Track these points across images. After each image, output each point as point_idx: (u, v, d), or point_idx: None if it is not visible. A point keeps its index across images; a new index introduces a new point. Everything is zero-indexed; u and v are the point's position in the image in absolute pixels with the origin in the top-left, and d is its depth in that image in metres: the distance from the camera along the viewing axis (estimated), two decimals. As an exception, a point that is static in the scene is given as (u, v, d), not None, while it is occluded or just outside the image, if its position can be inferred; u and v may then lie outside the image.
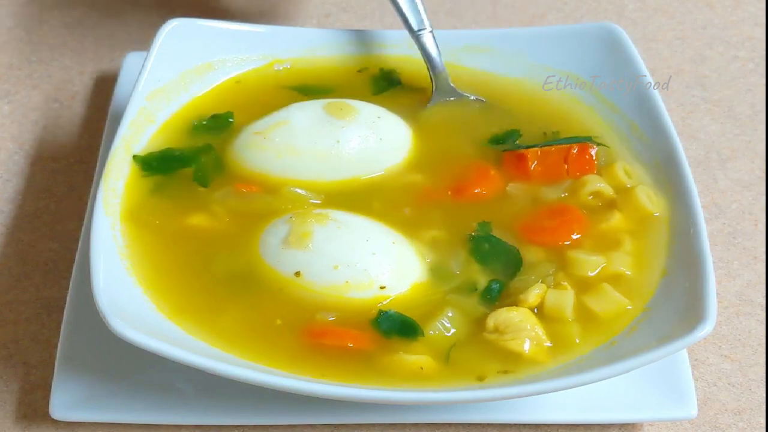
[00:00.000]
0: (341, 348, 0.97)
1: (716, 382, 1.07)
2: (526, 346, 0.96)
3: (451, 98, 1.19)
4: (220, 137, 1.15)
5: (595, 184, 1.09)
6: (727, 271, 1.17)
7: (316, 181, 1.11)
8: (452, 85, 1.20)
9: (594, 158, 1.12)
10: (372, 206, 1.08)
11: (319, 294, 1.00)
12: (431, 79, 1.20)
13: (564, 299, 0.99)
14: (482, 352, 0.97)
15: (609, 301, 1.00)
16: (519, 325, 0.97)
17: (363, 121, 1.13)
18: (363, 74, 1.23)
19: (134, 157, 1.11)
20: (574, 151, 1.11)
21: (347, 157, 1.11)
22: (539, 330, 0.97)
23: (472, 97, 1.20)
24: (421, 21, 1.21)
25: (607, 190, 1.09)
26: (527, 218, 1.07)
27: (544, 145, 1.12)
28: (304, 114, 1.14)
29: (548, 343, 0.97)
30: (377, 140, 1.13)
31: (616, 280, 1.02)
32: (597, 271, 1.03)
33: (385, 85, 1.22)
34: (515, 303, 0.99)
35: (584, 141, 1.13)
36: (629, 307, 0.99)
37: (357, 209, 1.07)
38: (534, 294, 0.99)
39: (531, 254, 1.04)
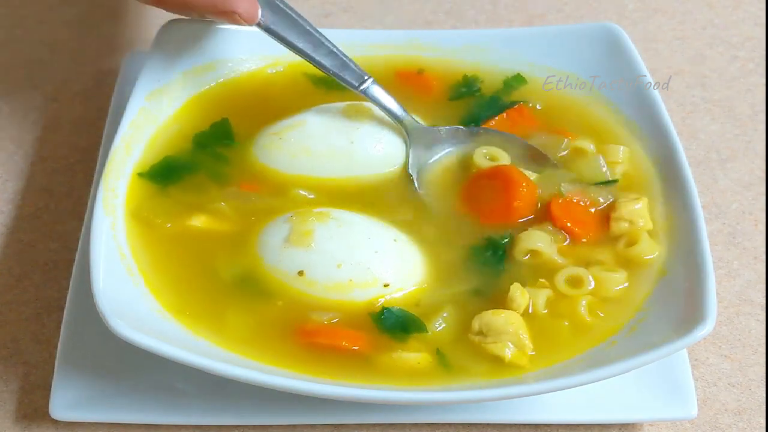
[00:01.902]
0: (335, 347, 0.97)
1: (716, 382, 1.07)
2: (508, 351, 0.96)
3: (424, 142, 1.13)
4: (224, 143, 1.15)
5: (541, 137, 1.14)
6: (727, 271, 1.17)
7: (327, 181, 1.11)
8: (423, 123, 1.15)
9: (532, 114, 1.17)
10: (379, 206, 1.08)
11: (323, 292, 1.00)
12: (401, 127, 1.13)
13: (540, 297, 0.99)
14: (472, 353, 0.97)
15: (598, 310, 1.00)
16: (502, 328, 0.96)
17: (378, 123, 1.14)
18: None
19: (139, 174, 1.10)
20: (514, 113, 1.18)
21: (360, 158, 1.12)
22: (523, 334, 0.97)
23: (443, 131, 1.14)
24: (359, 75, 1.12)
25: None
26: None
27: (489, 117, 1.17)
28: (321, 116, 1.14)
29: (531, 348, 0.96)
30: (391, 142, 1.13)
31: (610, 283, 1.02)
32: (590, 274, 1.02)
33: None
34: (504, 305, 0.99)
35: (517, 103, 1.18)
36: (620, 319, 1.00)
37: (364, 208, 1.07)
38: (519, 296, 0.99)
39: (526, 255, 1.04)
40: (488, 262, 1.04)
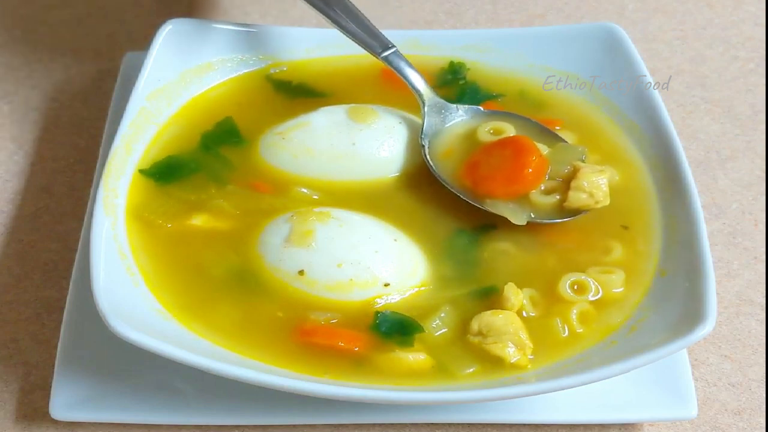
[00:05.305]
0: (334, 347, 0.97)
1: (716, 382, 1.07)
2: (509, 351, 0.96)
3: (439, 116, 1.15)
4: (231, 142, 1.15)
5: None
6: (727, 271, 1.17)
7: (328, 181, 1.11)
8: (441, 98, 1.16)
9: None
10: (380, 207, 1.08)
11: (323, 292, 1.00)
12: (417, 97, 1.16)
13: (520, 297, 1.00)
14: (471, 353, 0.97)
15: (594, 316, 1.00)
16: (502, 328, 0.96)
17: (382, 125, 1.14)
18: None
19: (140, 171, 1.10)
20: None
21: (361, 160, 1.12)
22: (523, 334, 0.97)
23: (461, 109, 1.16)
24: (384, 43, 1.17)
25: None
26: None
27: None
28: (326, 117, 1.15)
29: (531, 348, 0.97)
30: (394, 145, 1.13)
31: (609, 285, 1.02)
32: (591, 277, 1.02)
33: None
34: (501, 306, 0.99)
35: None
36: (618, 319, 1.00)
37: (364, 209, 1.07)
38: (512, 295, 0.99)
39: (536, 256, 1.05)
40: (486, 261, 1.04)
